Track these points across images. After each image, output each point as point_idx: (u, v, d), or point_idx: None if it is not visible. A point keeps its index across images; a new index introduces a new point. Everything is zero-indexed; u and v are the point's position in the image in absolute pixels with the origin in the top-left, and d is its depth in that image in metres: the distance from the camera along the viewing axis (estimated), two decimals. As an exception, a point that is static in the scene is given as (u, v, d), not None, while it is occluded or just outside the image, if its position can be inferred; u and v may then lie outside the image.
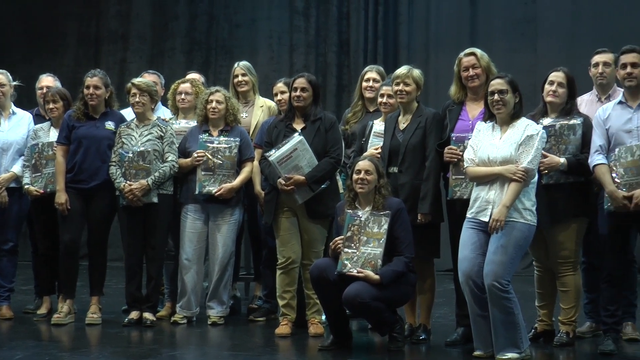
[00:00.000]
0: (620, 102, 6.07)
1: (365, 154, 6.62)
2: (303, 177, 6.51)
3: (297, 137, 6.55)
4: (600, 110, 6.16)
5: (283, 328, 6.68)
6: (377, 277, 5.96)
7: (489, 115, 5.89)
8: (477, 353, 5.84)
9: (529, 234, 5.73)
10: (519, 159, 5.61)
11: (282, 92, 7.33)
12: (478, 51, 6.39)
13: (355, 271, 5.99)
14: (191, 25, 12.09)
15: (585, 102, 6.74)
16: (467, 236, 5.79)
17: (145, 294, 7.17)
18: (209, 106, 7.06)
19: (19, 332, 6.93)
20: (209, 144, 6.95)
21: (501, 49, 10.73)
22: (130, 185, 6.90)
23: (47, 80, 7.87)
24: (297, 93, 6.67)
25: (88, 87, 7.16)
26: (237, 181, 7.04)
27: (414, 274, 6.19)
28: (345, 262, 5.99)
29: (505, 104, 5.76)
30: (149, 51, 12.14)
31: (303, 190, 6.60)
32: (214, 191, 6.95)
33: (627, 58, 6.00)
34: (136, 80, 7.23)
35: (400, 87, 6.44)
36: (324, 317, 6.71)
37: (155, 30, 12.20)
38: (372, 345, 6.63)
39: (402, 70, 6.49)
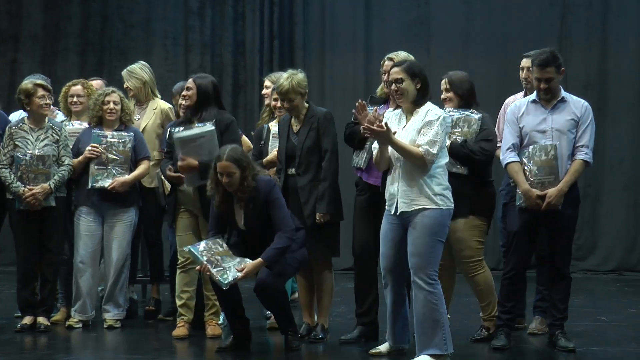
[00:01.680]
0: (534, 101, 6.17)
1: (268, 157, 6.85)
2: (196, 162, 6.44)
3: (209, 127, 6.51)
4: (513, 107, 6.27)
5: (180, 330, 6.68)
6: (259, 260, 5.99)
7: (396, 104, 5.91)
8: (377, 349, 5.87)
9: (442, 218, 5.59)
10: (419, 142, 5.52)
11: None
12: (399, 57, 6.41)
13: (240, 275, 5.99)
14: (84, 26, 11.85)
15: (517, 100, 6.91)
16: (384, 232, 5.77)
17: (39, 298, 7.04)
18: (105, 107, 7.00)
19: None
20: (102, 138, 6.90)
21: (395, 49, 10.73)
22: (31, 189, 6.79)
23: None
24: (183, 101, 6.74)
25: None
26: (131, 176, 7.01)
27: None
28: (225, 276, 5.94)
29: (403, 93, 5.66)
30: (41, 51, 11.87)
31: (193, 175, 6.54)
32: (107, 185, 6.89)
33: (541, 73, 6.05)
34: (41, 81, 7.10)
35: (285, 104, 6.47)
36: (221, 318, 6.71)
37: (47, 30, 11.93)
38: (270, 345, 6.65)
39: (283, 85, 6.42)
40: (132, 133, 7.05)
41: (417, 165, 5.52)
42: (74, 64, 11.60)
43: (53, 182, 6.84)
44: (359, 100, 5.89)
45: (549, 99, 6.12)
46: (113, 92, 7.10)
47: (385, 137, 5.48)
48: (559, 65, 6.09)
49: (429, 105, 5.68)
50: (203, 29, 11.60)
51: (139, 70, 7.70)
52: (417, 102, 5.68)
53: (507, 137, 6.15)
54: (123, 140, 6.95)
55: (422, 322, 5.55)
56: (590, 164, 6.15)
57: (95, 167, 6.90)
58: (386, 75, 6.34)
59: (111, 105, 7.00)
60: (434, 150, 5.48)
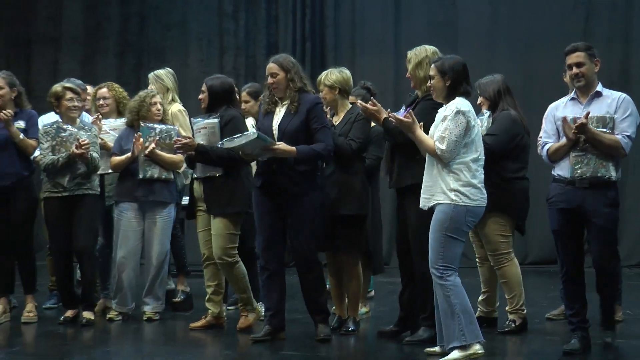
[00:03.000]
0: (572, 99, 6.06)
1: None
2: (195, 142, 6.53)
3: (214, 119, 6.59)
4: (553, 104, 6.16)
5: (198, 322, 6.75)
6: (293, 148, 6.05)
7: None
8: (433, 349, 5.73)
9: (454, 214, 5.40)
10: (434, 138, 5.50)
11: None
12: (410, 55, 6.36)
13: (274, 145, 6.02)
14: (123, 27, 12.01)
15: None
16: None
17: (81, 293, 7.08)
18: (153, 108, 7.07)
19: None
20: (151, 130, 6.97)
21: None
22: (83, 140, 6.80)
23: None
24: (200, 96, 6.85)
25: None
26: (175, 156, 7.05)
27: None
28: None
29: (435, 89, 5.58)
30: (82, 52, 12.00)
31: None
32: (156, 175, 6.99)
33: (571, 59, 5.89)
34: (70, 84, 7.13)
35: (321, 94, 6.57)
36: (262, 309, 6.78)
37: (87, 31, 12.07)
38: (303, 336, 6.56)
39: (320, 76, 6.60)
40: (176, 127, 7.15)
41: (436, 159, 5.46)
42: (113, 64, 11.75)
43: (95, 157, 6.87)
44: (359, 102, 6.22)
45: (582, 88, 5.90)
46: (156, 95, 7.18)
47: (407, 127, 5.55)
48: (591, 54, 5.88)
49: (453, 100, 5.54)
50: (237, 32, 11.67)
51: (164, 77, 7.76)
52: (447, 98, 5.57)
53: (543, 137, 6.05)
54: (169, 133, 7.02)
55: (442, 315, 5.48)
56: (625, 151, 5.76)
57: (144, 157, 6.97)
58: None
59: (158, 106, 7.09)
60: (442, 146, 5.38)
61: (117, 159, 7.05)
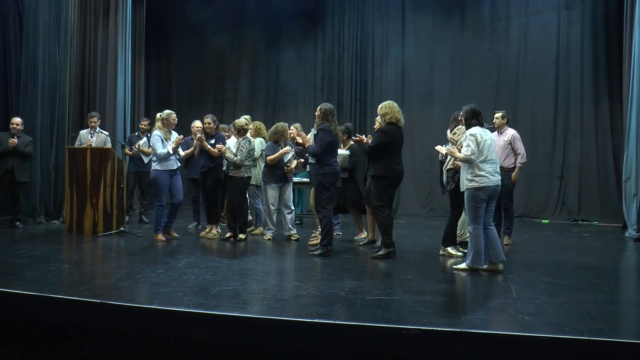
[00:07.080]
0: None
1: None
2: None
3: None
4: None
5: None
6: (308, 143, 5.98)
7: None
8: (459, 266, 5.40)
9: (472, 192, 5.11)
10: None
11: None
12: (381, 106, 5.99)
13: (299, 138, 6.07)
14: (266, 95, 12.06)
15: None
16: None
17: (238, 226, 6.94)
18: (285, 133, 7.02)
19: (186, 241, 6.84)
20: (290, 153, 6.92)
21: (415, 107, 11.06)
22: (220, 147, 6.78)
23: (197, 123, 7.64)
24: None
25: (205, 123, 7.18)
26: (294, 163, 7.05)
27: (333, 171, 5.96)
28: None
29: (458, 124, 5.52)
30: (245, 107, 11.97)
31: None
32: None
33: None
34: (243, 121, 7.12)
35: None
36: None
37: (249, 96, 12.07)
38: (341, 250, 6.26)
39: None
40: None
41: (464, 161, 5.25)
42: (262, 113, 11.88)
43: (231, 155, 6.74)
44: (353, 138, 5.95)
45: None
46: (289, 126, 7.20)
47: (451, 153, 5.42)
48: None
49: (469, 129, 5.27)
50: (322, 97, 11.65)
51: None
52: (466, 127, 5.34)
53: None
54: (292, 151, 7.09)
55: (469, 247, 5.24)
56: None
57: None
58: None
59: (287, 132, 7.10)
60: (467, 152, 5.14)
61: (269, 158, 7.02)
